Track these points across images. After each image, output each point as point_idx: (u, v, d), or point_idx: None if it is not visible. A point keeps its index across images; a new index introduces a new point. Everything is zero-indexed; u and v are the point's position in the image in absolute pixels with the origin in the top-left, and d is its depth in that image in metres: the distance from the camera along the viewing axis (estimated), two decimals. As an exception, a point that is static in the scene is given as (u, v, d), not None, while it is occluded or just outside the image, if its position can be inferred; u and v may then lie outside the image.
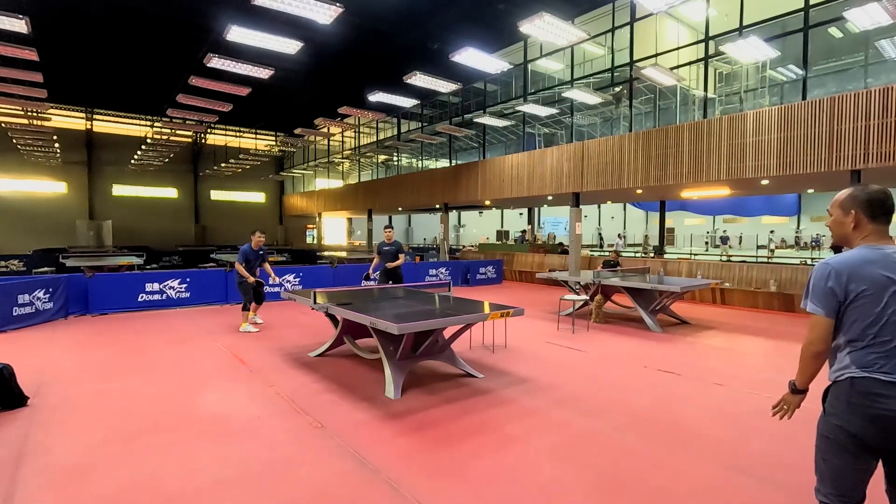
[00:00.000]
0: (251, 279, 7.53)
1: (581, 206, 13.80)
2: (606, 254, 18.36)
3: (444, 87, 11.09)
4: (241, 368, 5.51)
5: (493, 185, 15.85)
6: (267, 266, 8.17)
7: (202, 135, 27.08)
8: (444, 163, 20.23)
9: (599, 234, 37.61)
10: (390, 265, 8.15)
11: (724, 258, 19.47)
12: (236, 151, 25.96)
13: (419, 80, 10.51)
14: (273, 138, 28.25)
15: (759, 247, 28.94)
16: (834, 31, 11.04)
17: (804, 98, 9.49)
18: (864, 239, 1.85)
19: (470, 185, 16.78)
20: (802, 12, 9.52)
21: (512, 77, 15.80)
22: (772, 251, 25.13)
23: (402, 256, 8.31)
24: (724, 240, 29.46)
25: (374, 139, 23.51)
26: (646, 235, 33.13)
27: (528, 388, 4.85)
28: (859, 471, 1.81)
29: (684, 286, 7.64)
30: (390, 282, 8.14)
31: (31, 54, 9.21)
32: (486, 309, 5.11)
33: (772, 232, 29.80)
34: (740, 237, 35.01)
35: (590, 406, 4.36)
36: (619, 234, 31.00)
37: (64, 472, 3.11)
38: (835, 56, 11.82)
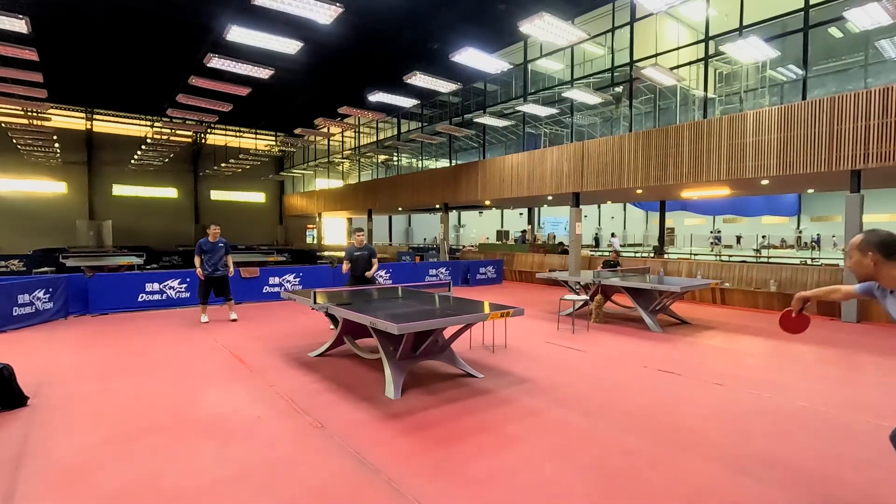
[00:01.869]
0: (198, 271, 7.94)
1: (581, 206, 13.81)
2: (606, 253, 18.36)
3: (444, 87, 11.09)
4: (241, 368, 5.51)
5: (493, 185, 15.86)
6: (228, 259, 8.32)
7: (202, 135, 27.08)
8: (444, 163, 20.24)
9: (596, 234, 37.60)
10: (368, 274, 7.21)
11: (722, 258, 19.47)
12: (236, 151, 25.97)
13: (419, 80, 10.51)
14: (273, 138, 28.26)
15: (762, 246, 29.02)
16: (834, 31, 11.05)
17: (804, 98, 9.49)
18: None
19: (470, 185, 16.78)
20: (802, 12, 9.53)
21: (512, 77, 15.80)
22: (757, 251, 25.22)
23: (375, 262, 7.33)
24: (719, 240, 29.53)
25: (374, 139, 23.52)
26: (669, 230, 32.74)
27: (528, 388, 4.85)
28: None
29: (684, 286, 7.64)
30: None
31: (31, 54, 9.21)
32: (486, 309, 5.11)
33: (763, 237, 29.82)
34: (738, 237, 35.05)
35: (590, 406, 4.36)
36: (612, 234, 30.84)
37: (64, 472, 3.11)
38: (835, 56, 11.82)
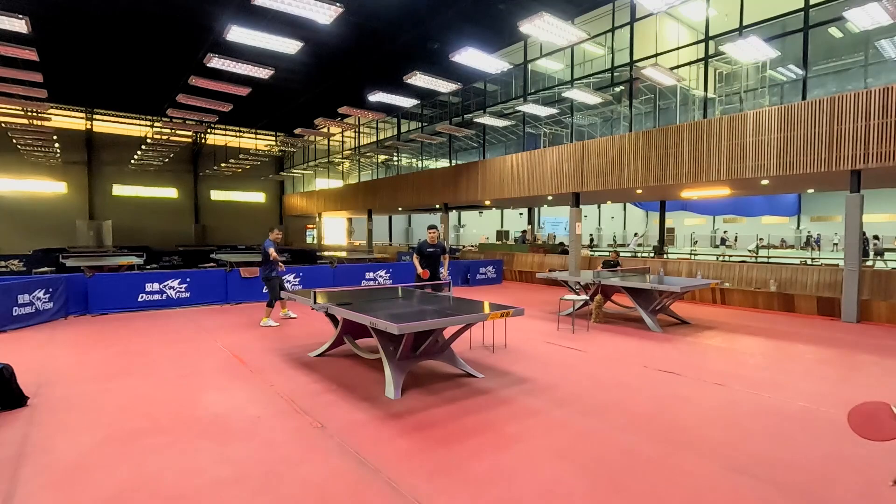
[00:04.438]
0: (281, 266, 8.10)
1: (581, 206, 13.80)
2: (606, 254, 18.35)
3: (444, 87, 11.08)
4: (241, 368, 5.51)
5: (493, 185, 15.85)
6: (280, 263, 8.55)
7: (202, 135, 27.09)
8: (444, 163, 20.24)
9: (595, 234, 37.67)
10: (443, 274, 7.16)
11: (721, 258, 19.47)
12: (236, 151, 25.97)
13: (419, 80, 10.51)
14: (273, 138, 28.27)
15: (759, 247, 29.04)
16: (834, 31, 11.05)
17: (804, 98, 9.49)
18: None
19: (470, 185, 16.78)
20: (802, 12, 9.53)
21: (512, 77, 15.80)
22: (752, 251, 25.26)
23: (446, 259, 7.33)
24: (724, 240, 29.59)
25: (374, 139, 23.52)
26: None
27: (528, 388, 4.85)
28: None
29: (684, 286, 7.63)
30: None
31: (31, 54, 9.21)
32: (486, 309, 5.11)
33: (760, 239, 29.89)
34: (735, 236, 35.12)
35: (590, 406, 4.36)
36: (635, 233, 30.94)
37: (64, 472, 3.11)
38: (835, 56, 11.83)
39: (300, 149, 28.58)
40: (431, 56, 14.01)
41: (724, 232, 34.02)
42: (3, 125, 19.59)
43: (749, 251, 25.17)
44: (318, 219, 28.74)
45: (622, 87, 13.23)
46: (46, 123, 17.22)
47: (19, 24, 7.76)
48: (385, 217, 30.53)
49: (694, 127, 10.72)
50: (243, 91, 12.02)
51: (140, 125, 25.05)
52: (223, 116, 18.32)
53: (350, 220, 32.76)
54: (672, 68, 11.20)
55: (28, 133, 17.78)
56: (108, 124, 25.36)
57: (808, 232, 33.75)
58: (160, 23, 12.81)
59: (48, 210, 23.73)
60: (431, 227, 7.43)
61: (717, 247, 29.94)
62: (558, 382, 5.04)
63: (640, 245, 30.40)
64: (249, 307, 9.92)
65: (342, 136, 25.70)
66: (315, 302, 5.30)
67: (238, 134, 28.42)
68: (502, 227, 33.17)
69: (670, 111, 13.38)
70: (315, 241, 30.21)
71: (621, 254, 17.74)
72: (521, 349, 6.48)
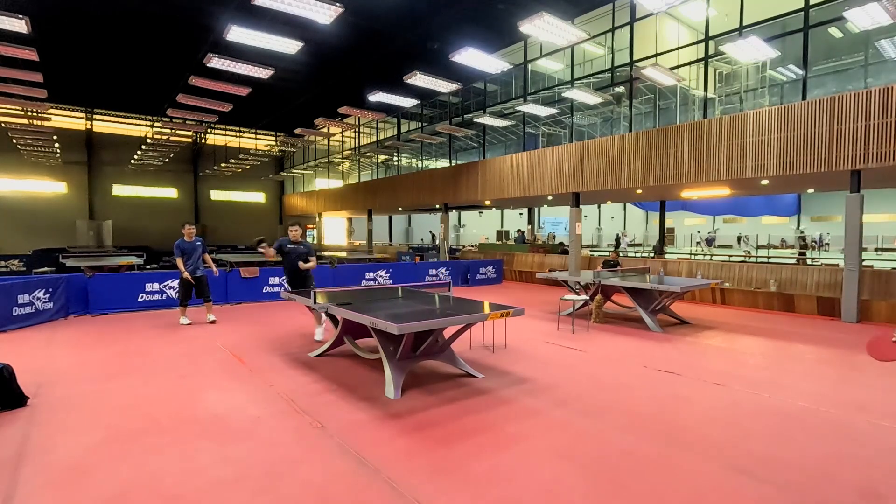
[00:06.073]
0: (185, 273, 7.79)
1: (581, 206, 13.80)
2: (606, 254, 18.35)
3: (444, 87, 11.08)
4: (240, 368, 5.51)
5: (493, 185, 15.86)
6: (207, 257, 8.19)
7: (202, 135, 27.07)
8: (444, 163, 20.23)
9: (595, 234, 37.67)
10: (302, 266, 6.87)
11: (713, 258, 19.45)
12: (236, 151, 25.96)
13: (419, 80, 10.51)
14: (273, 138, 28.25)
15: (759, 247, 29.01)
16: (834, 31, 11.05)
17: (804, 98, 9.49)
18: None
19: (470, 185, 16.78)
20: (802, 12, 9.53)
21: (512, 77, 15.80)
22: (746, 252, 25.29)
23: (313, 260, 6.98)
24: (710, 241, 29.59)
25: (374, 139, 23.52)
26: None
27: (528, 388, 4.85)
28: None
29: (684, 286, 7.63)
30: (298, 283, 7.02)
31: (31, 54, 9.21)
32: (486, 309, 5.11)
33: (747, 237, 29.77)
34: (738, 237, 35.12)
35: (590, 406, 4.36)
36: (623, 233, 30.95)
37: (64, 472, 3.11)
38: (835, 56, 11.82)
39: (300, 149, 28.56)
40: (431, 56, 14.00)
41: (710, 232, 34.05)
42: (3, 125, 19.57)
43: (745, 251, 25.14)
44: (318, 219, 28.74)
45: (622, 88, 13.22)
46: (46, 123, 17.20)
47: (19, 24, 7.75)
48: (385, 217, 30.51)
49: (694, 127, 10.72)
50: (243, 91, 12.02)
51: (140, 125, 25.03)
52: (223, 116, 18.31)
53: (350, 220, 32.76)
54: (672, 68, 11.19)
55: (28, 133, 17.76)
56: (108, 124, 25.35)
57: (802, 232, 33.78)
58: (160, 23, 12.79)
59: (48, 210, 23.72)
60: (293, 224, 7.04)
61: (706, 246, 29.96)
62: (558, 382, 5.04)
63: (630, 244, 30.40)
64: (249, 307, 9.92)
65: (342, 136, 25.69)
66: (315, 302, 5.30)
67: (238, 134, 28.41)
68: (502, 227, 33.19)
69: (670, 111, 13.38)
70: (315, 241, 30.20)
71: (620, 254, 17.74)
72: (521, 349, 6.48)
